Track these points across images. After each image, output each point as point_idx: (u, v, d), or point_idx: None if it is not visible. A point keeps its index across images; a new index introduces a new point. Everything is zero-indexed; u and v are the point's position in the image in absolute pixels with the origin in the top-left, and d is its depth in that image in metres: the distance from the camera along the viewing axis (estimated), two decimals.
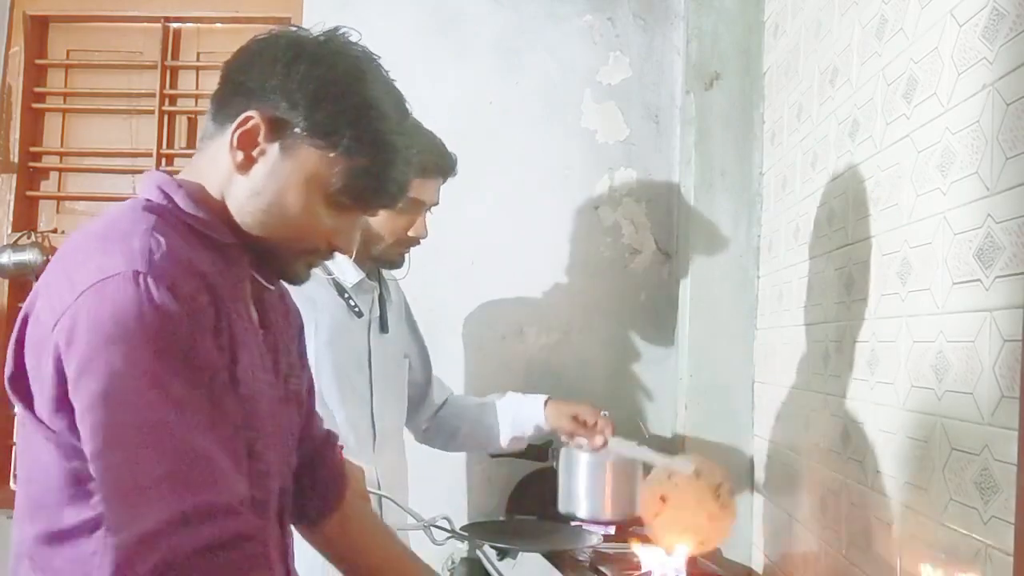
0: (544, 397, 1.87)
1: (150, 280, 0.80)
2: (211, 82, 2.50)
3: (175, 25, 2.52)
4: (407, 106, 0.98)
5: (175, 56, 2.52)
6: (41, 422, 0.85)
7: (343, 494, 1.19)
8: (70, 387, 0.81)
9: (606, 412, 2.06)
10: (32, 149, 2.49)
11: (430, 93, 2.29)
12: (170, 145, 2.50)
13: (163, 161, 2.47)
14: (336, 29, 0.97)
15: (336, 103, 0.91)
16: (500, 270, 2.34)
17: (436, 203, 1.67)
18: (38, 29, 2.52)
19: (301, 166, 0.92)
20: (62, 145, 2.52)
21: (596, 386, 2.30)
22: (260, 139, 0.92)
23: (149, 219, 0.88)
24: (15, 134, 2.46)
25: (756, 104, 2.18)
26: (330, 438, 1.21)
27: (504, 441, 1.87)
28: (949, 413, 1.09)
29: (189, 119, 2.52)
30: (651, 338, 2.33)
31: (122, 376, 0.77)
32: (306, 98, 0.91)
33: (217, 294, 0.88)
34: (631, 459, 1.87)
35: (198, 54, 2.53)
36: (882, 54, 1.36)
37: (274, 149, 0.92)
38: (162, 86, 2.47)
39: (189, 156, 2.47)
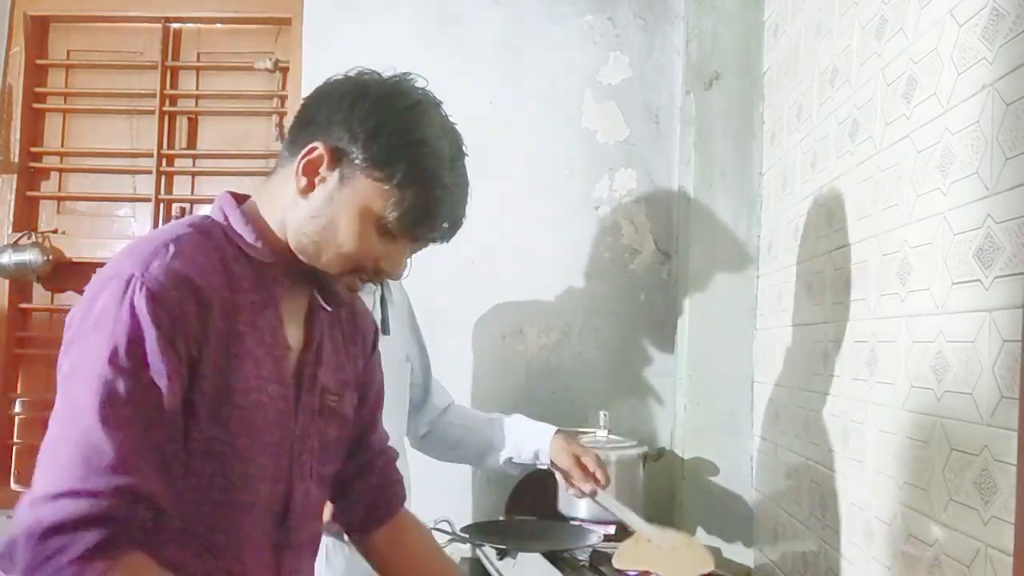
0: (554, 428, 1.80)
1: (138, 284, 0.90)
2: (211, 82, 2.53)
3: (175, 25, 2.53)
4: (463, 148, 1.05)
5: (175, 56, 2.52)
6: None
7: (391, 509, 1.26)
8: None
9: (605, 412, 2.07)
10: (32, 149, 2.50)
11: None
12: (170, 145, 2.50)
13: (163, 161, 2.48)
14: (406, 74, 1.05)
15: (392, 137, 0.98)
16: (500, 270, 2.34)
17: None
18: (38, 29, 2.52)
19: (356, 194, 0.99)
20: (62, 145, 2.52)
21: (596, 386, 2.30)
22: (322, 168, 0.99)
23: (183, 230, 0.98)
24: (15, 134, 2.46)
25: (756, 104, 2.18)
26: (384, 453, 1.28)
27: (501, 461, 1.82)
28: (949, 413, 1.09)
29: (189, 119, 2.52)
30: (651, 338, 2.33)
31: (84, 362, 0.88)
32: (365, 131, 0.98)
33: (223, 308, 0.96)
34: (615, 514, 1.81)
35: (198, 54, 2.53)
36: (882, 54, 1.36)
37: (334, 177, 1.00)
38: (162, 86, 2.48)
39: (189, 156, 2.51)
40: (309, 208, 1.01)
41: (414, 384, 1.82)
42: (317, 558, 1.55)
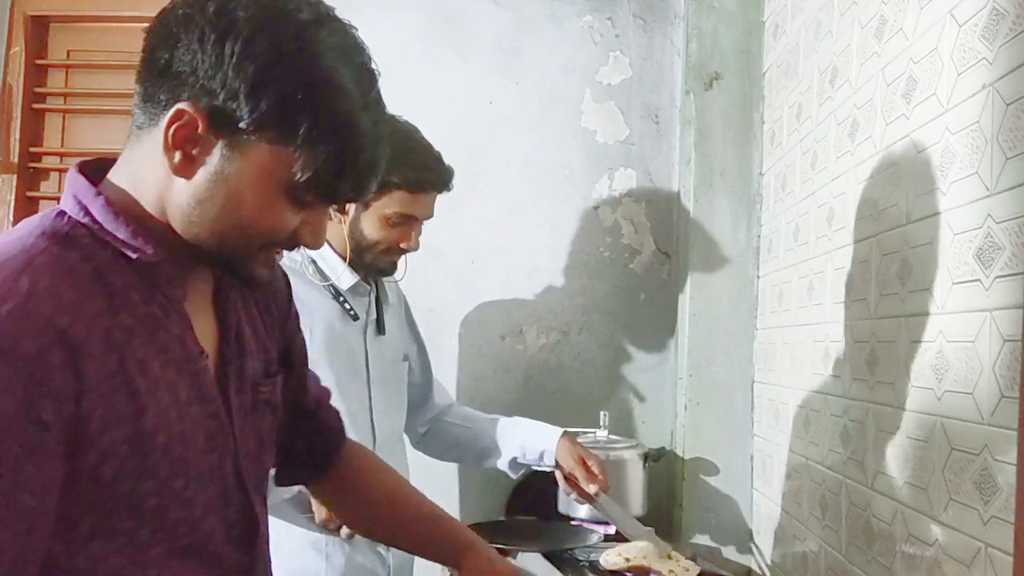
0: (561, 430, 1.79)
1: None
2: None
3: None
4: (373, 69, 0.82)
5: None
6: None
7: (332, 454, 1.15)
8: None
9: (605, 412, 2.07)
10: (32, 149, 2.49)
11: (430, 93, 2.30)
12: None
13: None
14: None
15: (283, 86, 0.75)
16: (500, 270, 2.34)
17: (430, 216, 1.65)
18: (38, 29, 2.52)
19: (252, 164, 0.77)
20: (62, 145, 2.52)
21: (596, 386, 2.31)
22: (200, 135, 0.77)
23: (36, 246, 0.75)
24: (15, 134, 2.46)
25: (756, 104, 2.18)
26: (317, 412, 1.15)
27: (503, 462, 1.81)
28: (949, 413, 1.09)
29: None
30: (651, 338, 2.33)
31: None
32: (247, 83, 0.75)
33: (107, 342, 0.74)
34: (614, 520, 1.80)
35: None
36: (882, 54, 1.36)
37: (217, 148, 0.77)
38: None
39: None
40: (194, 192, 0.78)
41: (413, 384, 1.83)
42: (319, 557, 1.57)
